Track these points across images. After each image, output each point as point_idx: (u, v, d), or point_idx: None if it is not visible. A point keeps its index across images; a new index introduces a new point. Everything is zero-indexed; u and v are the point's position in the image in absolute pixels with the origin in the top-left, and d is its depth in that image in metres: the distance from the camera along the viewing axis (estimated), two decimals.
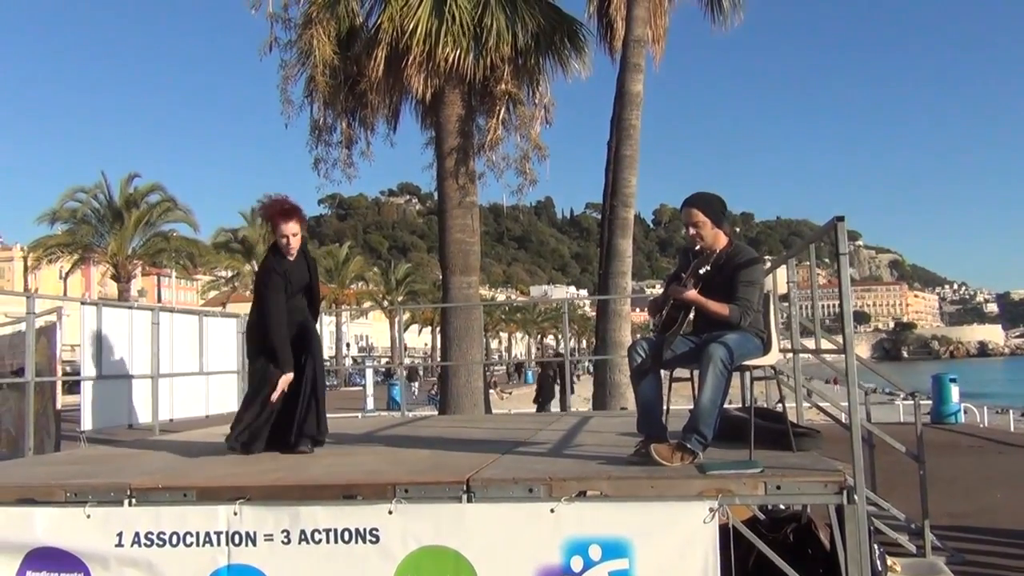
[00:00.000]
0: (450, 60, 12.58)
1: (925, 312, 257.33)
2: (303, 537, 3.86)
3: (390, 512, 3.83)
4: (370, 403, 27.03)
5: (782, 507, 5.34)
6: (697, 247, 4.49)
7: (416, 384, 38.61)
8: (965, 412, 19.14)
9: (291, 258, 5.54)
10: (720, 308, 4.34)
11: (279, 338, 5.38)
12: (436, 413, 15.21)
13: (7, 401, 8.86)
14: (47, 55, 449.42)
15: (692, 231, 4.53)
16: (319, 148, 14.20)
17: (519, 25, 12.96)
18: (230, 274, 49.80)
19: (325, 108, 13.95)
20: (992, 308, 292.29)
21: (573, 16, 14.40)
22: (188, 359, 8.75)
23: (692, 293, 4.33)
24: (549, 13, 13.59)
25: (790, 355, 6.20)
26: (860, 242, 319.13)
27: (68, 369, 13.11)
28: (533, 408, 20.39)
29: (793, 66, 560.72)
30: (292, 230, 5.46)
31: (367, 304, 63.92)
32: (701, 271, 4.31)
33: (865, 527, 3.73)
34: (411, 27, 12.51)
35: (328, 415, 5.78)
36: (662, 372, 4.66)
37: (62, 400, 9.22)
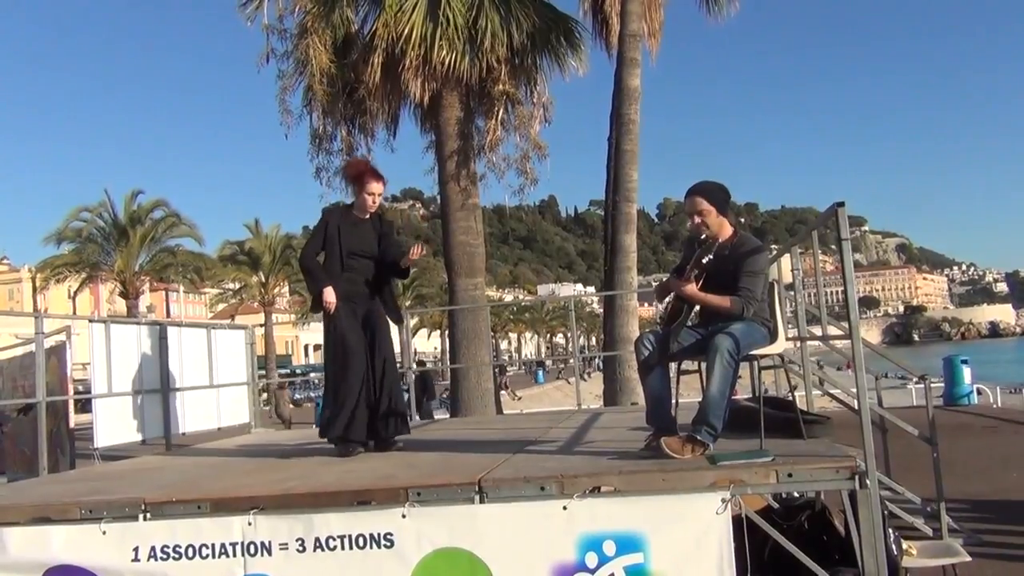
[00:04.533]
0: (446, 63, 12.60)
1: (934, 294, 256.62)
2: (318, 544, 3.87)
3: (403, 516, 3.83)
4: None
5: (796, 495, 5.33)
6: (702, 236, 4.48)
7: None
8: (978, 393, 19.08)
9: (363, 216, 5.77)
10: (721, 301, 4.32)
11: (304, 269, 5.75)
12: (448, 416, 15.21)
13: (21, 422, 8.89)
14: (46, 76, 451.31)
15: (697, 219, 4.49)
16: (320, 157, 14.25)
17: (514, 25, 12.98)
18: (237, 286, 49.77)
19: (324, 117, 13.99)
20: (1002, 288, 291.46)
21: (568, 14, 14.47)
22: (198, 373, 8.76)
23: (692, 289, 4.31)
24: (543, 12, 13.61)
25: (798, 343, 6.18)
26: (866, 227, 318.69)
27: (80, 388, 13.16)
28: (545, 407, 20.36)
29: (793, 54, 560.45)
30: (378, 190, 5.73)
31: None
32: (704, 261, 4.28)
33: (878, 511, 3.71)
34: (406, 32, 12.54)
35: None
36: (670, 365, 4.65)
37: (75, 418, 9.25)
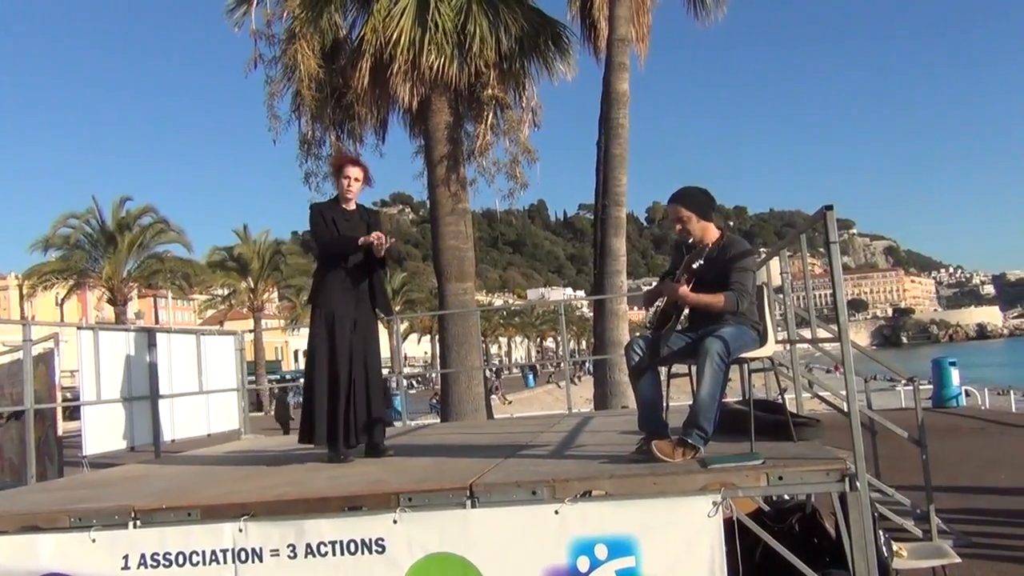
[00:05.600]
0: (435, 68, 12.60)
1: (922, 297, 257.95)
2: (309, 551, 3.86)
3: (395, 521, 3.82)
4: None
5: (787, 498, 5.34)
6: (690, 241, 4.49)
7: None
8: (967, 395, 19.18)
9: (347, 206, 5.72)
10: (714, 299, 4.32)
11: (327, 243, 5.61)
12: (438, 421, 15.19)
13: (9, 430, 8.83)
14: (33, 81, 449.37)
15: (679, 227, 4.53)
16: (308, 162, 14.20)
17: (502, 30, 13.00)
18: (226, 292, 49.65)
19: (313, 122, 13.96)
20: (989, 290, 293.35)
21: (556, 18, 14.48)
22: (187, 379, 8.72)
23: (684, 291, 4.32)
24: (532, 16, 13.62)
25: (787, 346, 6.20)
26: (854, 230, 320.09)
27: (68, 395, 13.08)
28: (536, 411, 20.36)
29: (780, 56, 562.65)
30: (355, 173, 5.67)
31: None
32: (694, 266, 4.30)
33: (868, 513, 3.73)
34: (394, 37, 12.53)
35: None
36: (660, 368, 4.66)
37: (63, 426, 9.19)
